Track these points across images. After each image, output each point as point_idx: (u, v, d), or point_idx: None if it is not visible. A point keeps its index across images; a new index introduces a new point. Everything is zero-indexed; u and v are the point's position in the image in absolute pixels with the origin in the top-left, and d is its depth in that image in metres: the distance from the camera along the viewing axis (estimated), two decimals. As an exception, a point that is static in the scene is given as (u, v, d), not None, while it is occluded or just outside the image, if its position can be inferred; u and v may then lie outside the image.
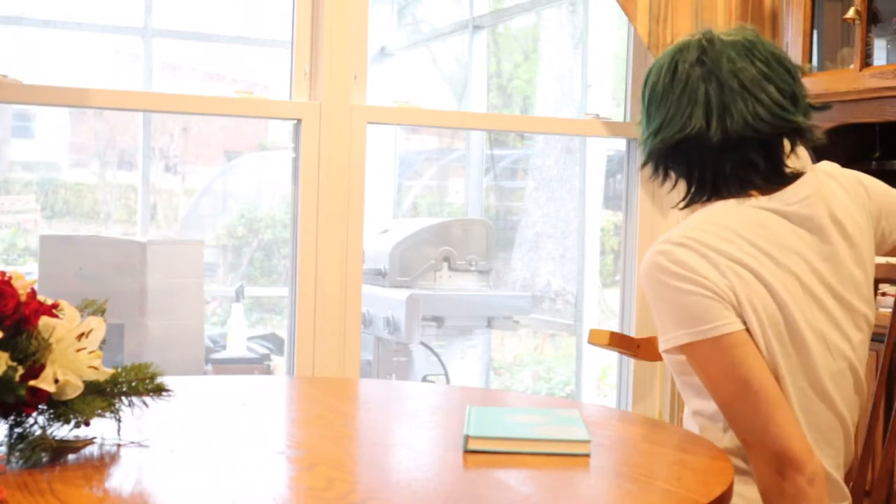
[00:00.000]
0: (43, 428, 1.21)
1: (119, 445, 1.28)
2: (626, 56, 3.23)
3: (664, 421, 2.98)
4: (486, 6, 5.20)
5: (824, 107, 1.63)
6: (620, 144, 3.31)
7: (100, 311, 1.29)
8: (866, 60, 2.62)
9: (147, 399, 1.30)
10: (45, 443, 1.18)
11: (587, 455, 1.31)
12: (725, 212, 1.53)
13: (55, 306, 1.25)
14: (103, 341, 1.25)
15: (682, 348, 1.48)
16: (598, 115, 3.18)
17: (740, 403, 1.46)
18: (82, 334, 1.22)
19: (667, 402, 3.06)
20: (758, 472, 1.46)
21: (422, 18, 5.76)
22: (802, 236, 1.53)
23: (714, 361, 1.46)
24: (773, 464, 1.43)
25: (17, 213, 4.79)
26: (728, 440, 1.54)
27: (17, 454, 1.16)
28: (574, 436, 1.34)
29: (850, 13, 2.62)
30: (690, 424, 1.61)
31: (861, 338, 1.59)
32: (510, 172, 5.65)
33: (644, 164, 1.60)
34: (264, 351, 4.78)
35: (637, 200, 3.15)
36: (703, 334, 1.45)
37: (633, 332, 3.11)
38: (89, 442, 1.26)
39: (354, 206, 2.74)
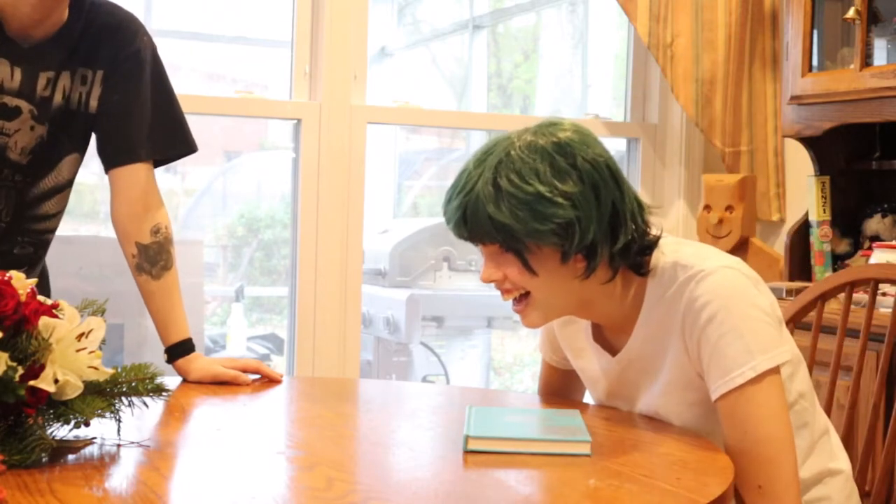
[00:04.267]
0: (43, 428, 1.20)
1: (119, 445, 1.28)
2: (626, 56, 3.24)
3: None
4: (486, 6, 5.20)
5: None
6: (620, 144, 3.31)
7: (100, 311, 1.29)
8: (866, 60, 2.62)
9: (147, 399, 1.30)
10: (45, 443, 1.18)
11: (587, 455, 1.31)
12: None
13: (55, 306, 1.25)
14: (103, 341, 1.25)
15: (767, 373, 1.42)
16: (598, 115, 3.18)
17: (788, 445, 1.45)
18: (82, 334, 1.22)
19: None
20: None
21: (422, 18, 5.75)
22: None
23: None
24: None
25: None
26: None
27: (17, 454, 1.16)
28: (574, 436, 1.34)
29: (850, 13, 2.62)
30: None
31: None
32: (510, 172, 5.63)
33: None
34: (264, 351, 4.78)
35: (637, 200, 3.15)
36: (781, 357, 1.44)
37: (633, 332, 3.10)
38: (89, 442, 1.26)
39: (354, 206, 2.74)
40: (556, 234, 1.42)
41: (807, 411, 1.57)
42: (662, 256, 1.51)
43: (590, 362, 1.64)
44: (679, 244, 1.53)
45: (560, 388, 1.77)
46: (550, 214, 1.41)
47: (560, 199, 1.41)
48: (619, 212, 1.46)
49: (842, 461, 1.64)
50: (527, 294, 1.49)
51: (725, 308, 1.42)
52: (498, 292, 1.52)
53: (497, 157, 1.44)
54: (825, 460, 1.61)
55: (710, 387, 1.44)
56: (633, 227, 1.48)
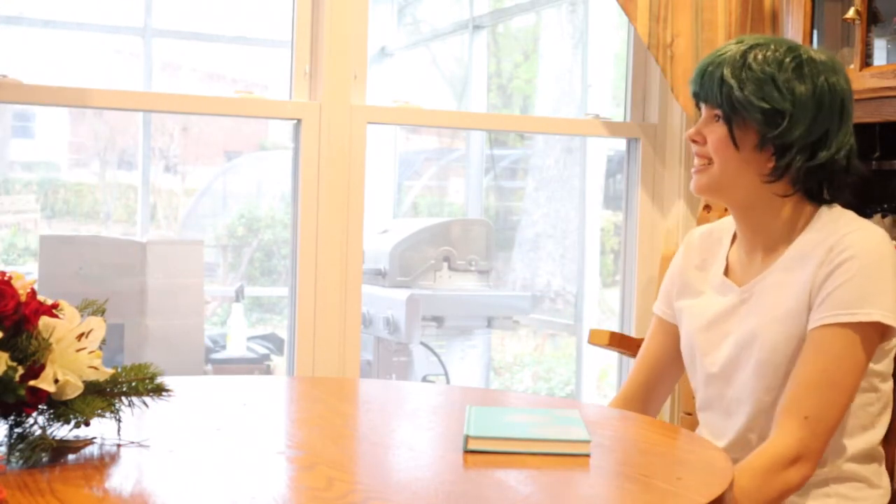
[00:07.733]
0: (43, 428, 1.21)
1: (119, 445, 1.28)
2: (626, 56, 3.23)
3: (664, 421, 2.98)
4: (486, 6, 5.20)
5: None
6: (620, 144, 3.31)
7: (100, 311, 1.29)
8: (866, 60, 2.62)
9: (147, 399, 1.30)
10: (45, 443, 1.18)
11: (587, 455, 1.31)
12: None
13: (55, 306, 1.25)
14: (103, 341, 1.25)
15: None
16: (598, 115, 3.18)
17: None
18: (82, 334, 1.22)
19: (667, 402, 3.06)
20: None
21: (422, 18, 5.76)
22: None
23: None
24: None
25: (17, 213, 4.79)
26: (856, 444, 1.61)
27: (17, 454, 1.16)
28: (574, 436, 1.34)
29: (850, 13, 2.62)
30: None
31: None
32: (510, 172, 5.65)
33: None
34: (264, 351, 4.78)
35: (637, 200, 3.15)
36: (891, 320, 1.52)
37: (633, 332, 3.11)
38: (89, 442, 1.26)
39: (354, 206, 2.74)
40: (764, 115, 1.57)
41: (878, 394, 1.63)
42: (833, 210, 1.63)
43: (703, 300, 1.72)
44: (850, 213, 1.64)
45: (659, 356, 1.82)
46: (770, 97, 1.57)
47: (784, 91, 1.57)
48: (828, 139, 1.58)
49: (884, 479, 1.67)
50: (711, 163, 1.64)
51: (867, 259, 1.52)
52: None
53: (759, 40, 1.62)
54: (869, 456, 1.64)
55: (815, 316, 1.53)
56: (836, 160, 1.59)
